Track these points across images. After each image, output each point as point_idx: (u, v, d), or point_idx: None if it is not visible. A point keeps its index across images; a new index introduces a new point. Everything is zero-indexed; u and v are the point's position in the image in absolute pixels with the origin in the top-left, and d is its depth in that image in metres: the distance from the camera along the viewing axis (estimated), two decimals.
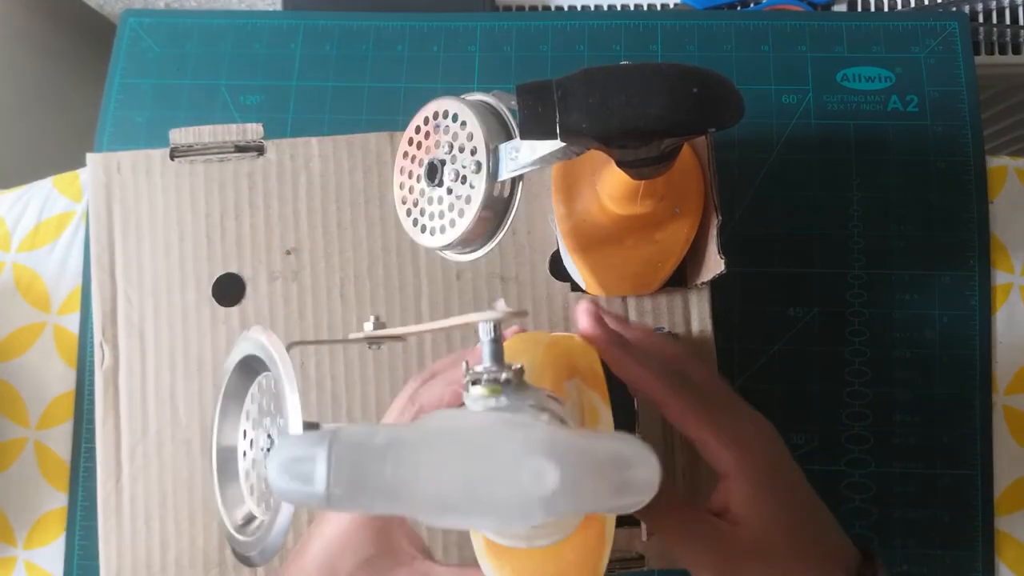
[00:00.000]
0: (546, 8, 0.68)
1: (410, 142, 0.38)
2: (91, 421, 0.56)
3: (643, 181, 0.38)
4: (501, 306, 0.26)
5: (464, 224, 0.35)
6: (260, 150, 0.50)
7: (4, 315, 0.58)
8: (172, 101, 0.61)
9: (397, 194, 0.39)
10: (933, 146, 0.57)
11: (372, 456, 0.20)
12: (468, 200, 0.35)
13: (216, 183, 0.50)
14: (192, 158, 0.50)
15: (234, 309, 0.49)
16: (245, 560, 0.28)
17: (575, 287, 0.48)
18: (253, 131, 0.50)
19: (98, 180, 0.50)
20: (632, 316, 0.48)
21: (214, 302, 0.49)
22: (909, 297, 0.55)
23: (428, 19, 0.62)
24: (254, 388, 0.29)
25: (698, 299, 0.47)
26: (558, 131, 0.32)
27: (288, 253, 0.49)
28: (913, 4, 0.69)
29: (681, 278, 0.48)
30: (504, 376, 0.25)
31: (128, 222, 0.50)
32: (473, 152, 0.35)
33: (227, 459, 0.29)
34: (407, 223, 0.38)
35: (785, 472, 0.35)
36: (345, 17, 0.62)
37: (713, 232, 0.43)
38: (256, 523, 0.28)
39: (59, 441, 0.56)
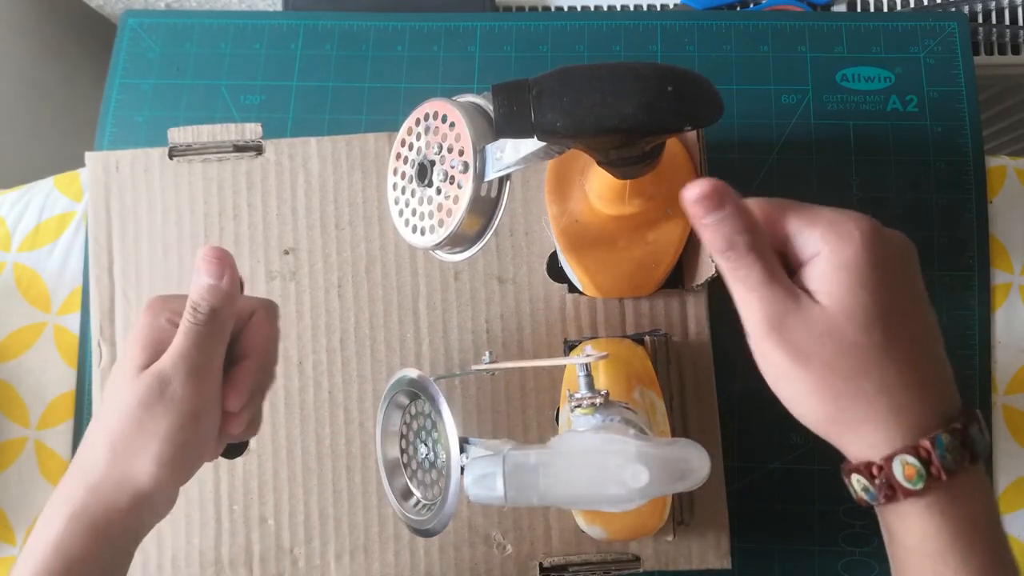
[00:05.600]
0: (546, 8, 0.68)
1: (403, 143, 0.39)
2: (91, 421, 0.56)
3: (629, 181, 0.38)
4: (589, 350, 0.36)
5: (452, 223, 0.36)
6: (259, 150, 0.50)
7: (4, 315, 0.58)
8: (172, 101, 0.61)
9: (390, 194, 0.39)
10: (932, 146, 0.57)
11: (529, 472, 0.32)
12: (456, 200, 0.36)
13: (214, 182, 0.50)
14: (191, 157, 0.50)
15: None
16: (424, 533, 0.35)
17: (572, 288, 0.48)
18: (252, 131, 0.50)
19: (97, 179, 0.50)
20: (630, 318, 0.48)
21: None
22: None
23: (428, 19, 0.62)
24: (407, 412, 0.38)
25: (695, 302, 0.47)
26: (533, 130, 0.32)
27: (286, 253, 0.49)
28: (913, 4, 0.69)
29: (680, 280, 0.48)
30: (598, 401, 0.36)
31: (126, 221, 0.50)
32: (461, 153, 0.35)
33: (392, 466, 0.38)
34: (399, 223, 0.39)
35: (896, 278, 0.30)
36: (345, 17, 0.62)
37: None
38: (423, 506, 0.37)
39: (59, 441, 0.56)
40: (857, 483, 0.30)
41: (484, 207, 0.36)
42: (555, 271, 0.49)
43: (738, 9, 0.67)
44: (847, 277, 0.29)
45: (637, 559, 0.46)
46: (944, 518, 0.28)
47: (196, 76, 0.61)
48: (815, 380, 0.29)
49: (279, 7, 0.69)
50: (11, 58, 0.81)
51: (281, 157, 0.50)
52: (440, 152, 0.36)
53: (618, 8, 0.68)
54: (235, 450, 0.48)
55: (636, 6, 0.68)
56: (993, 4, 0.69)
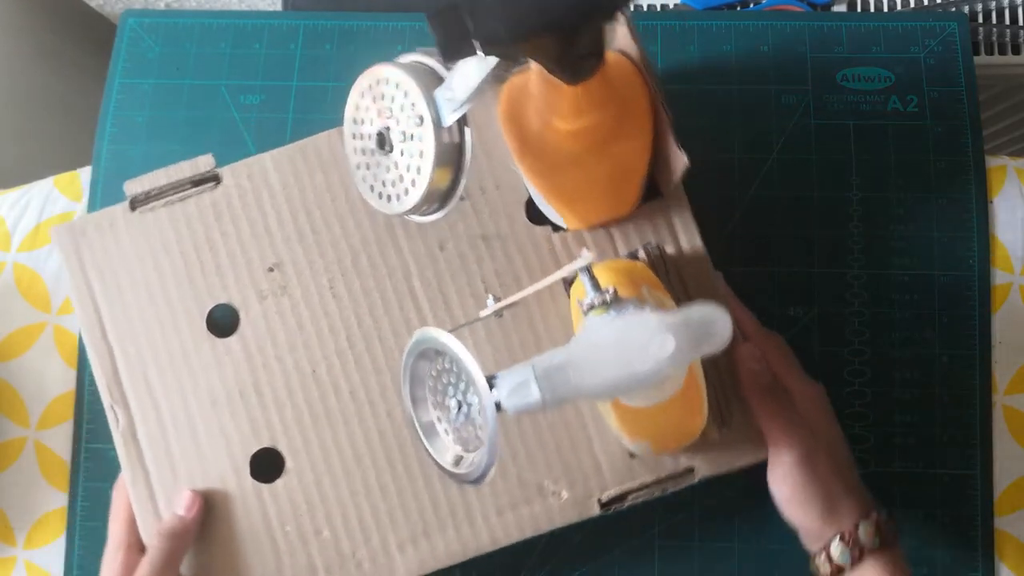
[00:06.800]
0: None
1: (354, 122, 0.38)
2: (91, 421, 0.56)
3: (582, 88, 0.37)
4: (586, 254, 0.37)
5: (424, 179, 0.35)
6: (216, 179, 0.50)
7: (4, 315, 0.58)
8: (172, 101, 0.61)
9: (356, 175, 0.39)
10: (933, 146, 0.57)
11: (559, 371, 0.32)
12: (422, 155, 0.35)
13: (183, 221, 0.49)
14: (152, 204, 0.50)
15: (233, 338, 0.49)
16: (475, 481, 0.35)
17: (556, 228, 0.48)
18: (204, 163, 0.49)
19: (67, 250, 0.49)
20: (620, 246, 0.48)
21: (211, 336, 0.49)
22: (909, 297, 0.55)
23: None
24: (431, 374, 0.37)
25: (680, 217, 0.47)
26: (475, 43, 0.32)
27: (271, 270, 0.49)
28: (913, 4, 0.69)
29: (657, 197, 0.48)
30: (607, 298, 0.36)
31: (107, 282, 0.49)
32: (413, 106, 0.35)
33: (428, 430, 0.38)
34: (373, 199, 0.38)
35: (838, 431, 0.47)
36: (345, 17, 0.62)
37: (667, 130, 0.42)
38: (467, 459, 0.37)
39: (59, 441, 0.56)
40: (835, 549, 0.43)
41: (450, 155, 0.36)
42: (535, 215, 0.49)
43: (738, 9, 0.67)
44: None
45: (691, 470, 0.46)
46: (892, 569, 0.42)
47: (196, 76, 0.61)
48: (823, 492, 0.44)
49: (279, 7, 0.69)
50: (11, 58, 0.81)
51: (240, 180, 0.50)
52: (392, 115, 0.36)
53: None
54: (271, 474, 0.48)
55: (636, 6, 0.68)
56: (993, 4, 0.69)
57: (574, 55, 0.35)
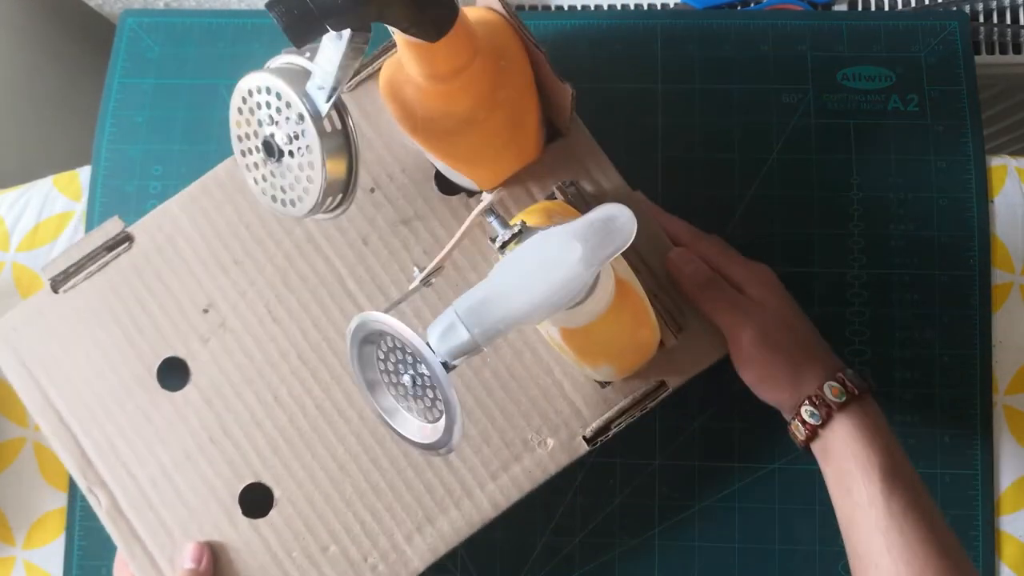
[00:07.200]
0: (546, 8, 0.68)
1: (239, 139, 0.38)
2: None
3: (449, 42, 0.37)
4: (487, 196, 0.39)
5: (319, 173, 0.36)
6: (128, 239, 0.49)
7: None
8: (172, 101, 0.61)
9: (256, 190, 0.39)
10: (933, 146, 0.57)
11: (484, 308, 0.33)
12: (310, 149, 0.35)
13: (108, 288, 0.49)
14: (73, 281, 0.49)
15: (188, 388, 0.48)
16: (447, 448, 0.35)
17: (470, 193, 0.48)
18: (112, 227, 0.49)
19: (7, 352, 0.49)
20: (539, 198, 0.48)
21: (167, 391, 0.48)
22: (909, 297, 0.55)
23: None
24: (379, 357, 0.37)
25: (586, 149, 0.48)
26: (320, 18, 0.32)
27: (206, 311, 0.49)
28: (913, 4, 0.69)
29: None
30: (517, 230, 0.37)
31: (51, 371, 0.49)
32: (289, 106, 0.35)
33: (393, 413, 0.38)
34: (278, 208, 0.38)
35: (792, 304, 0.48)
36: None
37: (546, 67, 0.42)
38: (434, 429, 0.37)
39: None
40: (805, 412, 0.44)
41: (338, 143, 0.36)
42: (447, 187, 0.49)
43: (738, 9, 0.67)
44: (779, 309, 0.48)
45: (663, 383, 0.46)
46: (862, 419, 0.43)
47: (196, 76, 0.61)
48: (786, 364, 0.45)
49: None
50: (10, 58, 0.81)
51: (153, 235, 0.49)
52: (273, 121, 0.36)
53: (618, 8, 0.68)
54: (263, 508, 0.47)
55: (636, 6, 0.68)
56: (994, 3, 0.68)
57: (424, 10, 0.35)
